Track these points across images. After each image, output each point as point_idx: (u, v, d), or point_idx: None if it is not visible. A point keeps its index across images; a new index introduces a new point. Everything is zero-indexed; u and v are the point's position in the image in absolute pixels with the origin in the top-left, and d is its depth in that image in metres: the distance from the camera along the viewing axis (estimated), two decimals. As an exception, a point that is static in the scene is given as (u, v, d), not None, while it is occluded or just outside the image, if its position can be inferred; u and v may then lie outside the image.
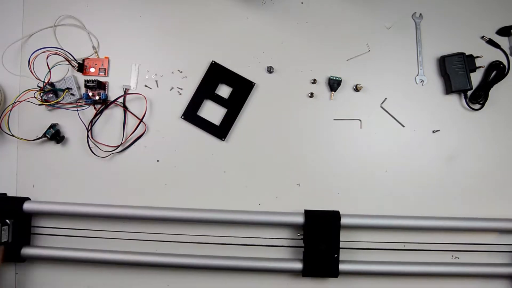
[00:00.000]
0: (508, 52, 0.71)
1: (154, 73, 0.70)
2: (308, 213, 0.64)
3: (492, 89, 0.70)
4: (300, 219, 0.64)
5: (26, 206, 0.64)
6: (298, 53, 0.71)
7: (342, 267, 0.64)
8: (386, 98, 0.71)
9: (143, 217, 0.65)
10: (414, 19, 0.73)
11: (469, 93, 0.71)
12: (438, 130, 0.70)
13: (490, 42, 0.72)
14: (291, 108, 0.70)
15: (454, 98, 0.71)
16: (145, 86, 0.70)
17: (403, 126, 0.70)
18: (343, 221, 0.64)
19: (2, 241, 0.61)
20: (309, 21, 0.72)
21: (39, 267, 0.68)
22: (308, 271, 0.64)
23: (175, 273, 0.68)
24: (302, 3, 0.72)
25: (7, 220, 0.63)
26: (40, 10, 0.71)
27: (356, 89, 0.70)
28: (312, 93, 0.70)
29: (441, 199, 0.69)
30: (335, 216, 0.64)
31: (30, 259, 0.66)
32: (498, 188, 0.70)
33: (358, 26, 0.72)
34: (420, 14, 0.72)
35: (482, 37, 0.72)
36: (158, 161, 0.69)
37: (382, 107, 0.71)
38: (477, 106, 0.71)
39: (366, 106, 0.70)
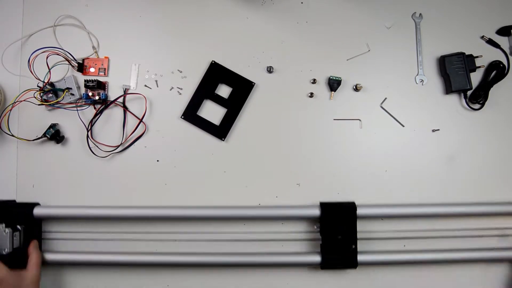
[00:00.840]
0: (508, 52, 0.71)
1: (154, 73, 0.70)
2: (323, 205, 0.65)
3: (492, 89, 0.70)
4: (316, 212, 0.65)
5: (37, 211, 0.64)
6: (298, 53, 0.71)
7: (360, 258, 0.64)
8: (386, 98, 0.71)
9: (157, 217, 0.66)
10: (414, 19, 0.73)
11: (469, 93, 0.71)
12: (438, 129, 0.70)
13: (490, 42, 0.72)
14: (291, 108, 0.70)
15: (454, 98, 0.71)
16: (145, 86, 0.70)
17: (403, 126, 0.70)
18: (359, 211, 0.64)
19: (14, 247, 0.61)
20: (309, 21, 0.72)
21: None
22: (327, 264, 0.64)
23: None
24: (302, 3, 0.72)
25: (18, 226, 0.62)
26: (40, 10, 0.71)
27: (356, 89, 0.70)
28: (312, 93, 0.70)
29: (441, 199, 0.69)
30: (350, 206, 0.64)
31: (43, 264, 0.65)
32: (498, 188, 0.70)
33: (358, 26, 0.72)
34: (420, 14, 0.72)
35: (482, 37, 0.72)
36: (158, 161, 0.69)
37: (382, 107, 0.71)
38: (477, 106, 0.71)
39: (366, 106, 0.70)
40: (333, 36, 0.72)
